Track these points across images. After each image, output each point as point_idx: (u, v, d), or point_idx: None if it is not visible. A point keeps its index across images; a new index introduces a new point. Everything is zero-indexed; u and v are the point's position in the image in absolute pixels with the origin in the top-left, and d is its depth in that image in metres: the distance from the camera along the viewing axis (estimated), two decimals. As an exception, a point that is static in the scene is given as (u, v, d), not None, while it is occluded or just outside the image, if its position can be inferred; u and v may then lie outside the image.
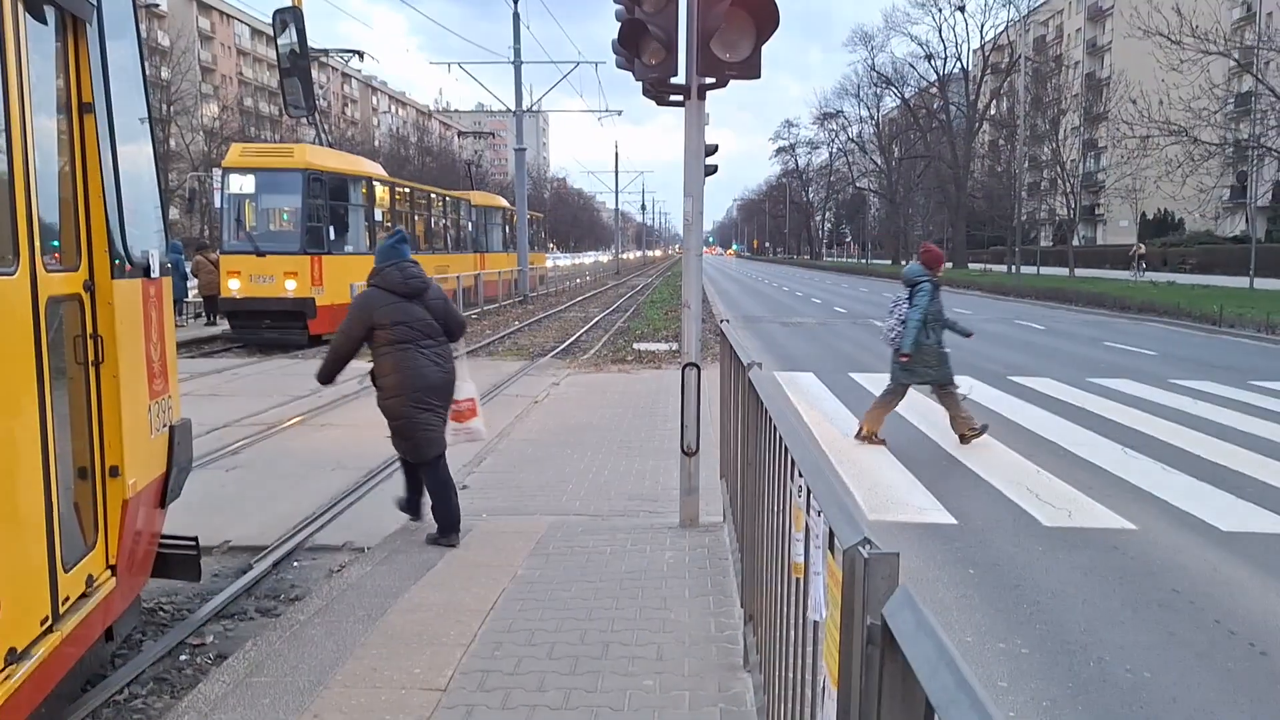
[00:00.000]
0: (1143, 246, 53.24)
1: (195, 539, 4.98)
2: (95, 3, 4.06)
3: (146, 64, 4.86)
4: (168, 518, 4.89)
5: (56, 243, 3.90)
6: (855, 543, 1.63)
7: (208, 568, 5.61)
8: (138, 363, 4.36)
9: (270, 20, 4.86)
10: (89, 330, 3.99)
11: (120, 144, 4.25)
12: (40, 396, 3.46)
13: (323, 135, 25.61)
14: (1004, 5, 68.79)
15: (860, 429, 9.49)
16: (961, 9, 71.88)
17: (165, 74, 63.17)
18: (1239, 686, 4.36)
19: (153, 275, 4.56)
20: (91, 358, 3.99)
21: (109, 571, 4.12)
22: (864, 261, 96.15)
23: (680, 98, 6.07)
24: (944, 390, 9.30)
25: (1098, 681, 4.37)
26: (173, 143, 61.21)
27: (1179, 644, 4.77)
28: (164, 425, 4.65)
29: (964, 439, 9.21)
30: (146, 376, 4.45)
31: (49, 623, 3.53)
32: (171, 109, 60.69)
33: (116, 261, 4.12)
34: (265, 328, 19.41)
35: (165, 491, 4.69)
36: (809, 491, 2.26)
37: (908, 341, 9.01)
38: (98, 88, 4.05)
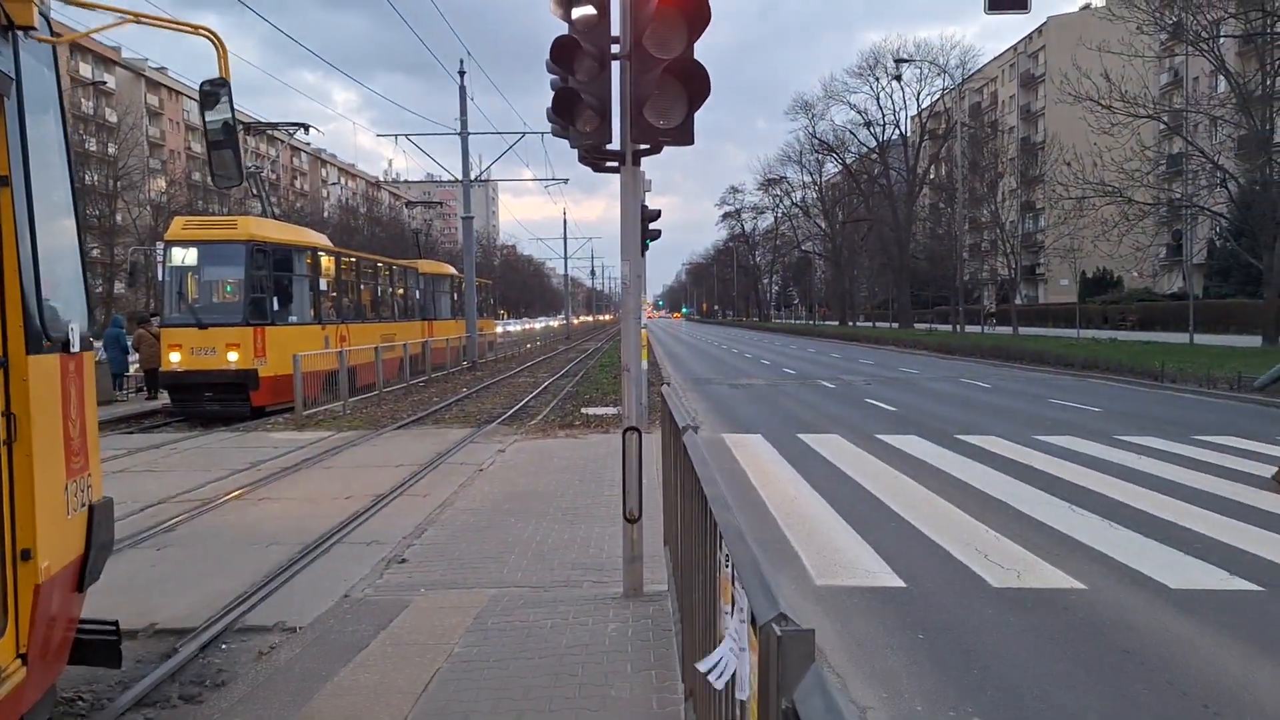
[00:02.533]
0: (993, 305, 59.03)
1: (115, 623, 4.74)
2: (14, 77, 3.98)
3: (74, 136, 4.77)
4: (93, 600, 4.67)
5: None
6: (770, 618, 1.55)
7: (131, 653, 5.35)
8: (55, 440, 4.19)
9: (199, 93, 4.76)
10: (1, 408, 3.83)
11: (40, 218, 4.14)
12: None
13: (268, 207, 25.50)
14: (939, 74, 70.46)
15: None
16: (898, 78, 73.75)
17: (112, 149, 62.60)
18: (1189, 747, 4.31)
19: (73, 350, 4.42)
20: (3, 437, 3.83)
21: (19, 661, 3.90)
22: (811, 323, 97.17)
23: (616, 164, 6.11)
24: None
25: (1048, 746, 4.29)
26: (119, 217, 60.48)
27: (1133, 707, 4.70)
28: (82, 504, 4.46)
29: None
30: (64, 454, 4.27)
31: (-52, 720, 3.32)
32: (118, 184, 60.06)
33: (33, 337, 3.99)
34: (206, 400, 19.08)
35: (83, 574, 4.47)
36: (734, 562, 2.19)
37: None
38: (15, 162, 3.96)
